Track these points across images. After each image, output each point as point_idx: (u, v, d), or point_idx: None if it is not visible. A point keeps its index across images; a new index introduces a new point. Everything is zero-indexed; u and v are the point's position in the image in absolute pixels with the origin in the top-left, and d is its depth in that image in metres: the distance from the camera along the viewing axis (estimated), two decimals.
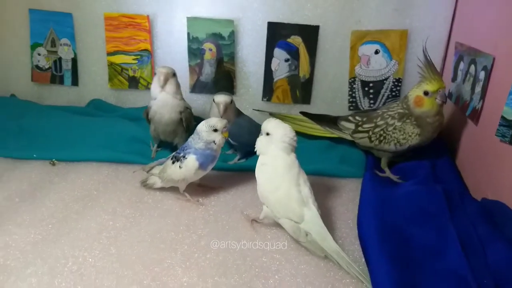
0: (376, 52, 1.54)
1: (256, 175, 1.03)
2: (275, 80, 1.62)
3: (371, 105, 1.60)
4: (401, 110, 1.27)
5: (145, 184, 1.20)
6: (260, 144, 1.02)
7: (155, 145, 1.41)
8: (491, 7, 1.24)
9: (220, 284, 0.84)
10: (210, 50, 1.62)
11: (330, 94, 1.62)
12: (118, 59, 1.67)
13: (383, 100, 1.60)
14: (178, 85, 1.36)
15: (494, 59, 1.16)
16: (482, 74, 1.22)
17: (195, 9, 1.58)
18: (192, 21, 1.59)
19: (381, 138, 1.29)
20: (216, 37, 1.59)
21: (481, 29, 1.30)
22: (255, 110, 1.63)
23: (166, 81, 1.31)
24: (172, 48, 1.64)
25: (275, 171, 0.99)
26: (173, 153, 1.17)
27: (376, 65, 1.56)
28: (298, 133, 1.48)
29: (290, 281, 0.86)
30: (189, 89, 1.67)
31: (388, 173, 1.32)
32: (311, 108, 1.62)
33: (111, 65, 1.68)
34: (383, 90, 1.59)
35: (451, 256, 0.85)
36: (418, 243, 0.92)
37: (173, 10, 1.59)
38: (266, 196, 0.99)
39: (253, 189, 1.14)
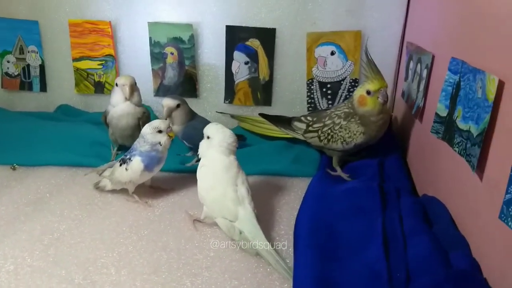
0: (332, 53, 1.58)
1: (197, 176, 1.07)
2: (236, 82, 1.66)
3: (329, 106, 1.63)
4: (346, 110, 1.30)
5: (97, 187, 1.23)
6: (201, 147, 1.06)
7: (115, 148, 1.45)
8: (436, 6, 1.27)
9: (149, 281, 0.87)
10: (172, 54, 1.66)
11: (289, 95, 1.65)
12: (84, 64, 1.71)
13: (341, 101, 1.63)
14: (139, 93, 1.39)
15: (433, 57, 1.19)
16: (424, 73, 1.25)
17: (156, 14, 1.62)
18: (153, 25, 1.62)
19: (329, 137, 1.32)
20: (176, 41, 1.63)
21: (425, 28, 1.33)
22: (218, 112, 1.66)
23: (132, 92, 1.36)
24: (135, 52, 1.68)
25: (212, 172, 1.03)
26: (122, 156, 1.21)
27: (333, 66, 1.59)
28: (257, 135, 1.56)
29: (218, 278, 0.89)
30: (153, 92, 1.71)
31: (339, 172, 1.34)
32: (272, 110, 1.66)
33: (77, 70, 1.72)
34: (340, 91, 1.62)
35: (371, 251, 0.88)
36: (345, 239, 0.95)
37: (135, 15, 1.63)
38: (203, 196, 1.03)
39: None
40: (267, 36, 1.58)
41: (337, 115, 1.31)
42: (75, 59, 1.71)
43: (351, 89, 1.61)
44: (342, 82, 1.61)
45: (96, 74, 1.73)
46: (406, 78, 1.49)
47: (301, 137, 1.41)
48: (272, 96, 1.66)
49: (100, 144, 1.48)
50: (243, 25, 1.58)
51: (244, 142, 1.54)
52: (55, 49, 1.72)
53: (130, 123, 1.37)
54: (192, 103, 1.58)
